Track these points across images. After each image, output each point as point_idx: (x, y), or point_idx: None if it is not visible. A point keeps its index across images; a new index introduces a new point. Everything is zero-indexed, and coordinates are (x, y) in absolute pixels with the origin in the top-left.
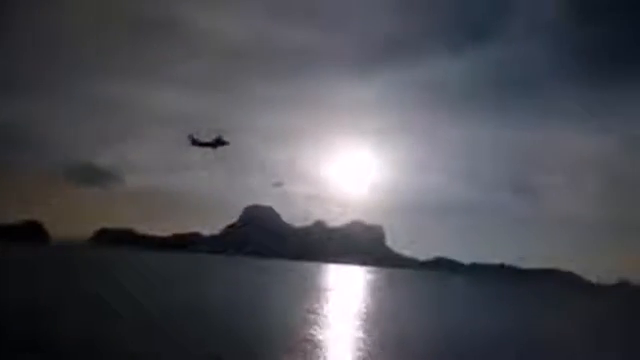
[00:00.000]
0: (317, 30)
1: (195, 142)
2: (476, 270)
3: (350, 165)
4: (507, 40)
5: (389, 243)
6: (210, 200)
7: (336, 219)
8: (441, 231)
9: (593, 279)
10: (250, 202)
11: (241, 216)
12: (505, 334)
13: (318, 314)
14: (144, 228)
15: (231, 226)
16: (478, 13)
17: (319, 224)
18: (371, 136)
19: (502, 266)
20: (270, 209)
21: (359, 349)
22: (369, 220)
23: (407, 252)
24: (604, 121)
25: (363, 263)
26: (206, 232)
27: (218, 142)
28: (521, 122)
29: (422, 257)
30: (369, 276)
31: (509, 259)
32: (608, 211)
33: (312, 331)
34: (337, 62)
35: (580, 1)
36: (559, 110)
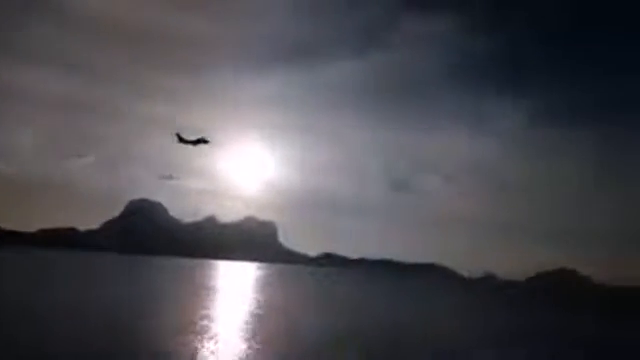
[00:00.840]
0: (221, 25)
1: (181, 140)
2: (364, 265)
3: (245, 161)
4: (407, 46)
5: (281, 239)
6: (90, 193)
7: (229, 215)
8: (332, 228)
9: (465, 273)
10: (136, 196)
11: (124, 210)
12: (385, 324)
13: (207, 311)
14: (6, 223)
15: (112, 221)
16: (380, 20)
17: (211, 219)
18: (269, 133)
19: (388, 261)
20: (158, 204)
21: (246, 345)
22: (262, 216)
23: (298, 248)
24: (492, 126)
25: (255, 259)
26: (83, 227)
27: (199, 141)
28: (417, 124)
29: (313, 253)
30: (260, 272)
31: (394, 254)
32: (485, 210)
33: (200, 328)
34: (239, 57)
35: (475, 13)
36: (452, 114)
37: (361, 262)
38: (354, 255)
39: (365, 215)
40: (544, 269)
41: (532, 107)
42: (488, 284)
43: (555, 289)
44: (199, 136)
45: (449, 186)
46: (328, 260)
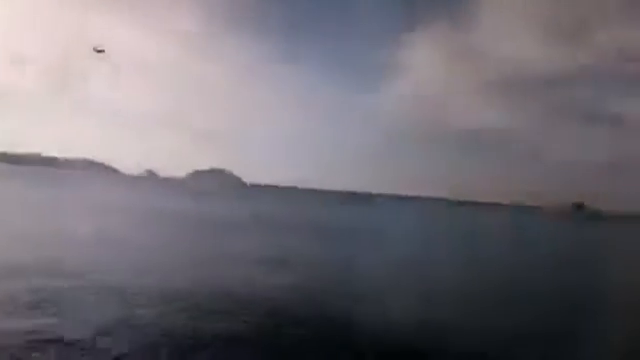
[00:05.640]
0: None
1: (97, 50)
2: (8, 158)
3: None
4: None
5: None
6: None
7: None
8: None
9: (127, 171)
10: None
11: None
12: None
13: None
14: None
15: None
16: None
17: None
18: None
19: (36, 155)
20: None
21: None
22: None
23: None
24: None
25: None
26: None
27: (100, 51)
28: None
29: None
30: None
31: (46, 149)
32: (151, 108)
33: None
34: None
35: None
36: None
37: (4, 156)
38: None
39: (14, 107)
40: (203, 167)
41: (209, 12)
42: (150, 181)
43: (212, 186)
44: (101, 48)
45: (115, 79)
46: None
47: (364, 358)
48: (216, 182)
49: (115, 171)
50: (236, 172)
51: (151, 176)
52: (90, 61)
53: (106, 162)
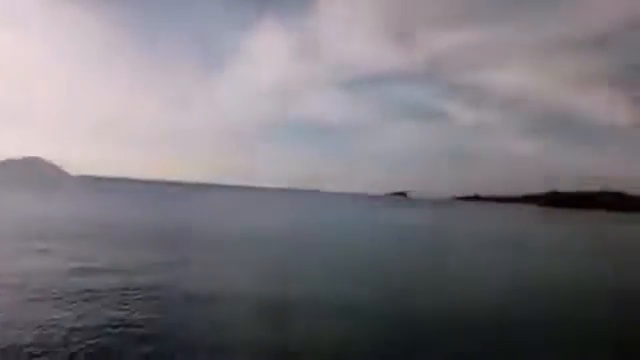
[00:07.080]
0: None
1: None
2: None
3: None
4: None
5: None
6: None
7: None
8: None
9: None
10: None
11: None
12: None
13: None
14: None
15: None
16: None
17: None
18: None
19: None
20: None
21: None
22: None
23: None
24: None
25: None
26: None
27: None
28: None
29: None
30: None
31: None
32: None
33: None
34: None
35: None
36: None
37: None
38: None
39: None
40: (14, 156)
41: None
42: None
43: (25, 178)
44: None
45: None
46: None
47: None
48: (30, 173)
49: None
50: (56, 161)
51: None
52: None
53: None
